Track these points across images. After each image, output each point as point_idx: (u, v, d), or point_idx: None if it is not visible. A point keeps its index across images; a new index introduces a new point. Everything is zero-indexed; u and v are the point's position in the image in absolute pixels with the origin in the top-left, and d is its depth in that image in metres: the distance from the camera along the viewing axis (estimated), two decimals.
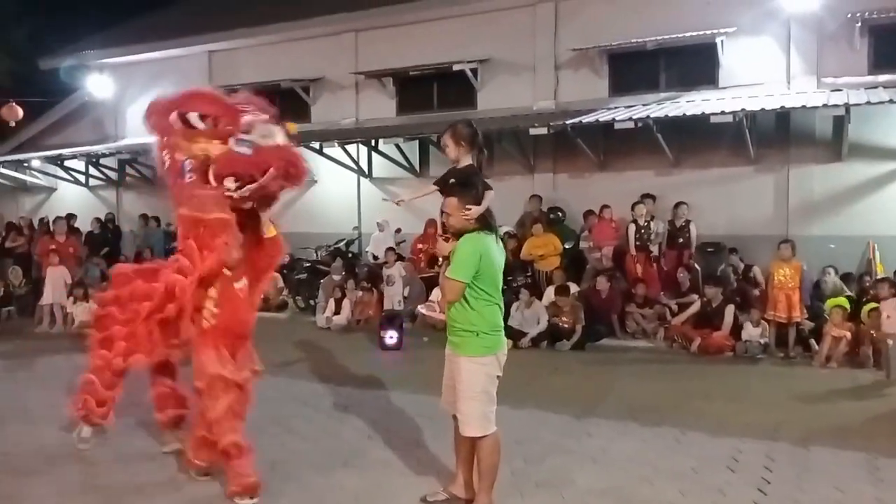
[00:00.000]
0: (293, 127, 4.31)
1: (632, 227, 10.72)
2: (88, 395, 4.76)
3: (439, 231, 4.17)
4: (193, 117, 4.14)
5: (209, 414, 4.19)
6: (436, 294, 6.79)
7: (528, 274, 10.82)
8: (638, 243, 10.65)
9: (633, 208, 10.73)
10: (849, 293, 9.29)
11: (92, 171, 16.94)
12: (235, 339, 4.36)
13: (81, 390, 4.82)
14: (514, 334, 8.70)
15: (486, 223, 3.82)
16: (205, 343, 4.22)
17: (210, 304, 4.26)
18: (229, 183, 4.05)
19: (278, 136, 4.11)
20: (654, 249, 10.68)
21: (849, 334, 8.13)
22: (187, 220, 4.30)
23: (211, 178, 4.10)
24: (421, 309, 5.48)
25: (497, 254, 3.82)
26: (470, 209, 3.76)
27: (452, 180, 4.23)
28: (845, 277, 9.84)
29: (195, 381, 4.27)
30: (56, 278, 11.05)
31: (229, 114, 4.13)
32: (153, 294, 4.37)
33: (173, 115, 4.18)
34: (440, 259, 4.28)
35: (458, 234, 3.81)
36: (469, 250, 3.71)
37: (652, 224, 10.67)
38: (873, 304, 8.22)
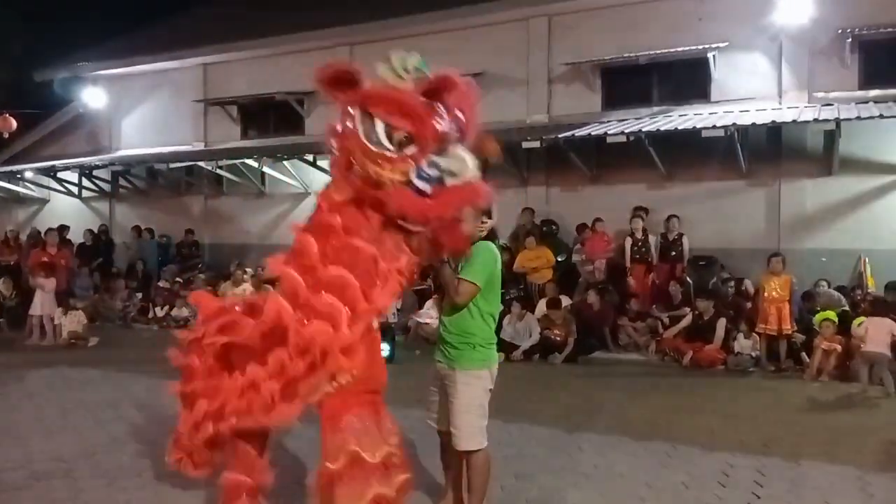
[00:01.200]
0: (493, 148, 3.45)
1: (628, 241, 10.77)
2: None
3: None
4: (379, 128, 3.07)
5: None
6: (428, 305, 6.78)
7: (521, 286, 10.84)
8: (637, 256, 10.68)
9: (630, 222, 10.78)
10: (845, 306, 9.32)
11: (85, 182, 16.91)
12: (374, 397, 3.27)
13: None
14: (505, 347, 8.67)
15: (494, 232, 3.89)
16: (344, 406, 3.10)
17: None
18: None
19: (470, 169, 3.22)
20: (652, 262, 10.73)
21: (839, 347, 8.15)
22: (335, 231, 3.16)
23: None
24: (415, 318, 5.48)
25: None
26: (486, 222, 3.78)
27: None
28: (837, 291, 9.87)
29: (325, 460, 3.09)
30: (46, 290, 10.98)
31: (424, 133, 3.09)
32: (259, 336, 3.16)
33: (356, 111, 3.12)
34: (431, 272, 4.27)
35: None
36: (489, 257, 3.74)
37: (650, 237, 10.74)
38: (862, 319, 8.24)
